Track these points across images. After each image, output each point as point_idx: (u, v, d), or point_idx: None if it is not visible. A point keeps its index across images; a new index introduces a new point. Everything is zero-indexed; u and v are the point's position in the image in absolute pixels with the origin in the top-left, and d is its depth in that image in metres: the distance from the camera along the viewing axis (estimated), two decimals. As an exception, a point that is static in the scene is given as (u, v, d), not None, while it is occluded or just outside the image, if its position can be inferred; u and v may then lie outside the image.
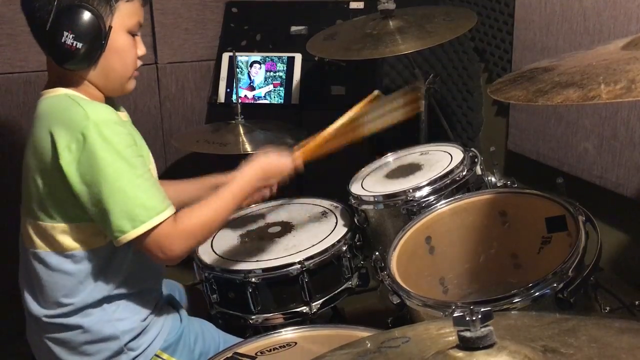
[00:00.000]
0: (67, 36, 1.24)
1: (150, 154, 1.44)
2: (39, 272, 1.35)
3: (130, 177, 1.25)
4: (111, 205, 1.23)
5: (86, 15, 1.25)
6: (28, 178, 1.34)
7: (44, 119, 1.29)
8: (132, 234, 1.24)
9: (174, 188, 1.63)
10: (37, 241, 1.34)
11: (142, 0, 1.36)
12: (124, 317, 1.37)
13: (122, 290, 1.37)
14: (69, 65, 1.28)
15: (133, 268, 1.38)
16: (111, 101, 1.42)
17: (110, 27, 1.29)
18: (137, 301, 1.40)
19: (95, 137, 1.23)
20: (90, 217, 1.28)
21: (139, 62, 1.39)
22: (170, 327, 1.45)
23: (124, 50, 1.33)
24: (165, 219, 1.27)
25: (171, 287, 1.68)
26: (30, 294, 1.38)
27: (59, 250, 1.33)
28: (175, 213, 1.30)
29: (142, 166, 1.28)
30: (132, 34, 1.35)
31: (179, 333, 1.45)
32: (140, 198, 1.25)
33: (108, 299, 1.36)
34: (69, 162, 1.24)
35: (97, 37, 1.27)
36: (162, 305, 1.49)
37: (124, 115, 1.44)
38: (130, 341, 1.37)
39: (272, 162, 1.50)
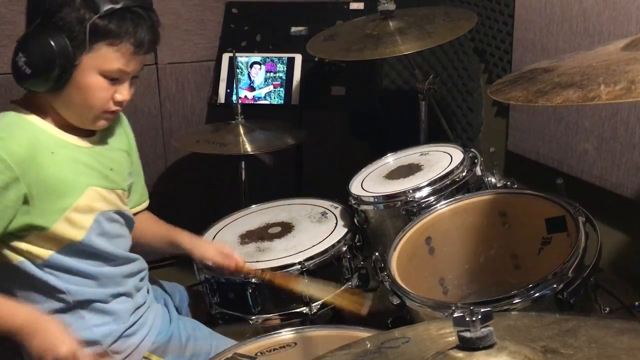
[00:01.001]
0: (20, 57, 1.23)
1: (104, 184, 1.38)
2: (7, 280, 1.34)
3: None
4: None
5: (46, 46, 1.22)
6: None
7: None
8: None
9: (153, 226, 1.62)
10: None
11: (135, 49, 1.28)
12: (100, 322, 1.37)
13: (95, 296, 1.36)
14: (22, 85, 1.27)
15: (93, 276, 1.36)
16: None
17: (74, 65, 1.24)
18: (112, 307, 1.39)
19: None
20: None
21: (114, 106, 1.33)
22: (159, 329, 1.45)
23: (88, 90, 1.28)
24: None
25: (172, 289, 1.68)
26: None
27: (8, 261, 1.31)
28: None
29: None
30: (109, 78, 1.29)
31: (168, 334, 1.45)
32: None
33: (81, 305, 1.35)
34: None
35: (49, 70, 1.23)
36: (150, 307, 1.48)
37: (84, 142, 1.37)
38: (113, 344, 1.37)
39: (49, 331, 1.23)
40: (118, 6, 1.24)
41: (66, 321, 1.33)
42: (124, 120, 1.54)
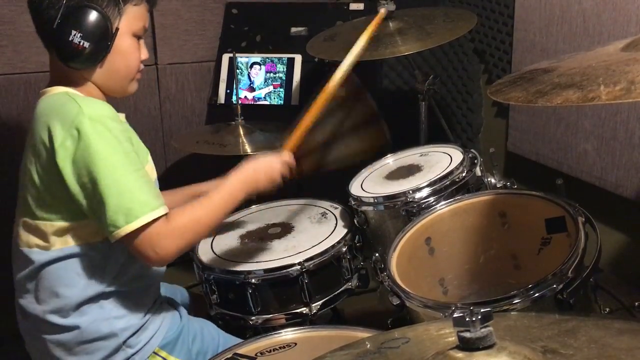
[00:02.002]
0: (74, 35, 1.26)
1: (149, 156, 1.44)
2: (35, 272, 1.35)
3: (124, 172, 1.25)
4: (105, 199, 1.23)
5: (94, 16, 1.27)
6: (26, 178, 1.34)
7: (42, 116, 1.30)
8: (126, 228, 1.24)
9: (176, 191, 1.65)
10: (34, 240, 1.34)
11: (149, 5, 1.38)
12: (121, 314, 1.37)
13: (119, 287, 1.37)
14: (74, 64, 1.30)
15: (131, 264, 1.38)
16: (112, 103, 1.43)
17: (117, 29, 1.31)
18: (135, 298, 1.40)
19: (90, 131, 1.23)
20: (86, 215, 1.28)
21: (142, 66, 1.40)
22: (169, 325, 1.45)
23: (128, 52, 1.35)
24: (159, 217, 1.26)
25: (173, 292, 1.68)
26: (27, 296, 1.38)
27: (56, 248, 1.33)
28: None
29: (136, 162, 1.29)
30: (137, 37, 1.37)
31: (178, 331, 1.45)
32: (134, 193, 1.24)
33: (105, 295, 1.36)
34: (64, 159, 1.24)
35: (104, 38, 1.29)
36: (161, 303, 1.49)
37: (122, 116, 1.44)
38: (128, 338, 1.37)
39: (259, 164, 1.47)
40: None
41: (87, 310, 1.34)
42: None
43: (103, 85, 1.36)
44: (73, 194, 1.26)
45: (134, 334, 1.38)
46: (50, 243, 1.33)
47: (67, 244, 1.32)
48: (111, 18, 1.29)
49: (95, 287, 1.35)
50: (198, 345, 1.47)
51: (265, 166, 1.47)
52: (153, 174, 1.42)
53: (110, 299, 1.36)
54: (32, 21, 1.31)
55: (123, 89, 1.40)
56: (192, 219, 1.33)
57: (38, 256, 1.34)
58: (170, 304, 1.53)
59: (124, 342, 1.37)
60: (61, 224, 1.31)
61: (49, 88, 1.35)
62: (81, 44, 1.26)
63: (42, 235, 1.33)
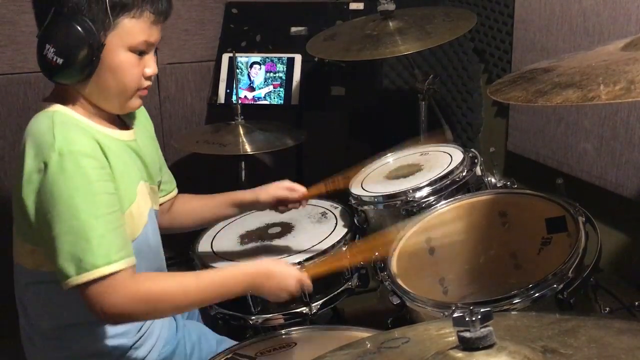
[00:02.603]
0: (48, 49, 1.18)
1: (145, 178, 1.37)
2: (21, 289, 1.33)
3: (86, 217, 1.14)
4: (59, 244, 1.14)
5: (72, 30, 1.18)
6: (14, 192, 1.26)
7: (26, 137, 1.22)
8: (75, 280, 1.13)
9: (197, 202, 1.62)
10: (19, 257, 1.30)
11: (155, 17, 1.25)
12: (112, 335, 1.33)
13: None
14: (54, 79, 1.22)
15: None
16: (124, 114, 1.38)
17: (103, 44, 1.21)
18: None
19: (56, 168, 1.15)
20: None
21: (146, 82, 1.31)
22: (165, 340, 1.43)
23: (120, 68, 1.25)
24: (115, 272, 1.15)
25: None
26: (19, 309, 1.36)
27: (37, 270, 1.28)
28: (133, 266, 1.20)
29: (106, 206, 1.18)
30: (137, 52, 1.26)
31: (174, 344, 1.44)
32: (91, 242, 1.13)
33: (93, 322, 1.28)
34: (28, 192, 1.17)
35: (82, 54, 1.19)
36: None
37: (126, 134, 1.35)
38: (121, 356, 1.35)
39: (277, 271, 1.33)
40: None
41: (76, 332, 1.31)
42: (144, 110, 1.51)
43: (97, 102, 1.28)
44: (33, 228, 1.19)
45: (127, 351, 1.35)
46: (31, 264, 1.28)
47: (43, 268, 1.26)
48: (96, 32, 1.19)
49: (82, 314, 1.23)
50: (196, 356, 1.46)
51: (281, 277, 1.33)
52: (147, 203, 1.34)
53: (99, 324, 1.31)
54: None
55: (120, 106, 1.31)
56: (162, 290, 1.22)
57: (23, 274, 1.31)
58: (169, 318, 1.50)
59: (117, 359, 1.35)
60: (32, 247, 1.25)
61: (45, 103, 1.27)
62: (54, 59, 1.18)
63: (25, 254, 1.28)
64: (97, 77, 1.24)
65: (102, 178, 1.20)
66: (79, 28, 1.18)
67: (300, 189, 1.63)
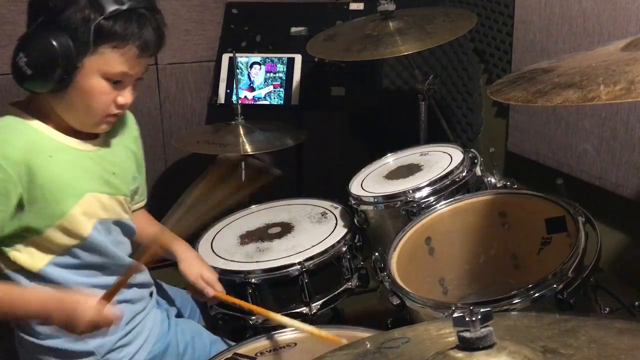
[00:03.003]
0: (20, 57, 1.20)
1: (109, 190, 1.36)
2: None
3: None
4: None
5: (48, 46, 1.18)
6: None
7: None
8: None
9: (144, 225, 1.56)
10: None
11: (140, 52, 1.25)
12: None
13: None
14: (22, 86, 1.23)
15: (88, 287, 1.32)
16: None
17: (77, 67, 1.21)
18: None
19: None
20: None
21: (115, 110, 1.31)
22: (156, 338, 1.43)
23: (90, 93, 1.25)
24: None
25: (174, 293, 1.67)
26: None
27: (6, 269, 1.29)
28: None
29: None
30: (112, 81, 1.26)
31: (165, 343, 1.44)
32: None
33: None
34: None
35: (50, 71, 1.19)
36: (149, 314, 1.47)
37: (87, 145, 1.34)
38: (108, 353, 1.35)
39: (71, 298, 1.22)
40: (124, 7, 1.20)
41: (59, 331, 1.30)
42: (130, 118, 1.51)
43: (63, 117, 1.29)
44: None
45: (113, 349, 1.35)
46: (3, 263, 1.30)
47: (15, 269, 1.29)
48: (73, 53, 1.19)
49: None
50: (189, 356, 1.45)
51: (73, 306, 1.20)
52: (86, 219, 1.30)
53: None
54: None
55: (84, 126, 1.32)
56: None
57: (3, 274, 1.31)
58: (160, 314, 1.51)
59: (104, 357, 1.35)
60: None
61: (13, 105, 1.30)
62: (24, 68, 1.19)
63: None
64: (67, 95, 1.25)
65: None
66: (56, 46, 1.18)
67: (212, 289, 1.52)
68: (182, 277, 1.56)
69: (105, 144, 1.40)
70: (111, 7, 1.19)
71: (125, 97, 1.30)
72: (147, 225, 1.60)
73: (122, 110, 1.32)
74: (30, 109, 1.29)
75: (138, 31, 1.24)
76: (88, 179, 1.33)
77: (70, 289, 1.27)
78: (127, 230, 1.43)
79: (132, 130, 1.52)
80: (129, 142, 1.49)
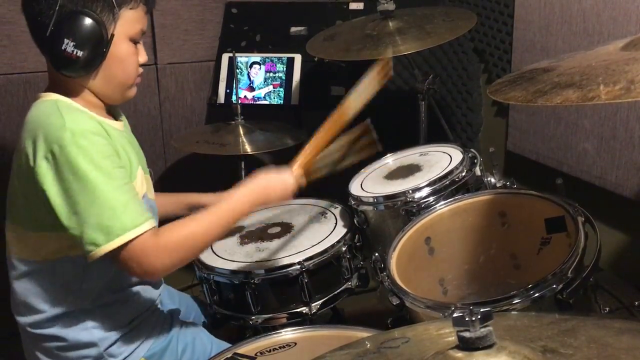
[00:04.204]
0: (67, 43, 1.22)
1: (140, 168, 1.39)
2: (14, 278, 1.34)
3: (107, 189, 1.19)
4: (86, 216, 1.18)
5: (88, 23, 1.22)
6: (12, 183, 1.31)
7: (29, 124, 1.26)
8: (106, 247, 1.18)
9: (162, 198, 1.59)
10: (14, 247, 1.33)
11: (146, 7, 1.33)
12: (100, 325, 1.35)
13: (96, 302, 1.35)
14: (68, 72, 1.25)
15: (109, 280, 1.35)
16: (113, 108, 1.41)
17: (112, 35, 1.26)
18: (114, 311, 1.37)
19: (72, 147, 1.18)
20: (65, 228, 1.22)
21: (140, 70, 1.37)
22: (157, 335, 1.44)
23: (126, 58, 1.31)
24: (142, 233, 1.20)
25: (179, 298, 1.67)
26: (13, 301, 1.37)
27: (34, 258, 1.31)
28: (156, 227, 1.25)
29: (121, 178, 1.24)
30: (134, 42, 1.32)
31: (166, 342, 1.44)
32: (115, 210, 1.19)
33: (82, 309, 1.33)
34: (45, 173, 1.20)
35: (99, 45, 1.24)
36: (152, 312, 1.47)
37: (119, 124, 1.40)
38: (109, 347, 1.36)
39: (273, 181, 1.42)
40: None
41: (66, 322, 1.33)
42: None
43: (100, 93, 1.33)
44: (53, 208, 1.21)
45: (115, 343, 1.37)
46: (29, 252, 1.31)
47: (45, 257, 1.30)
48: (106, 24, 1.25)
49: (71, 302, 1.32)
50: (188, 356, 1.46)
51: (279, 183, 1.43)
52: (142, 188, 1.38)
53: (87, 313, 1.34)
54: (27, 26, 1.28)
55: (122, 95, 1.36)
56: (184, 235, 1.28)
57: (15, 265, 1.33)
58: (163, 314, 1.52)
59: (105, 350, 1.35)
60: (38, 233, 1.28)
61: (43, 94, 1.31)
62: (74, 52, 1.22)
63: (22, 243, 1.31)
64: (104, 68, 1.29)
65: (113, 153, 1.25)
66: (93, 21, 1.23)
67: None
68: (183, 278, 1.57)
69: (125, 125, 1.45)
70: None
71: (143, 55, 1.37)
72: (166, 197, 1.64)
73: (142, 70, 1.38)
74: (67, 94, 1.31)
75: None
76: (134, 154, 1.38)
77: (262, 174, 1.42)
78: (154, 210, 1.46)
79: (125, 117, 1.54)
80: (129, 126, 1.52)
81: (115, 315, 1.37)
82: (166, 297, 1.62)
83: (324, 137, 1.53)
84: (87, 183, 1.19)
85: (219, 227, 1.33)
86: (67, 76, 1.27)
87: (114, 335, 1.37)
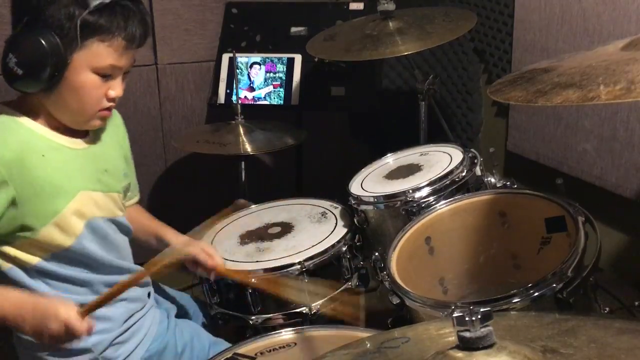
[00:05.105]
0: (10, 58, 1.20)
1: (101, 186, 1.36)
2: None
3: None
4: None
5: (36, 45, 1.19)
6: None
7: None
8: None
9: (134, 219, 1.55)
10: None
11: (126, 44, 1.26)
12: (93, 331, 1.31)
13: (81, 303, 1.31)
14: (13, 87, 1.24)
15: (85, 282, 1.34)
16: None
17: (67, 64, 1.22)
18: (105, 313, 1.35)
19: None
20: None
21: (107, 103, 1.32)
22: (154, 337, 1.43)
23: (82, 88, 1.26)
24: None
25: (177, 296, 1.67)
26: None
27: (6, 265, 1.29)
28: None
29: None
30: (102, 75, 1.27)
31: (163, 343, 1.44)
32: None
33: None
34: None
35: (41, 70, 1.21)
36: (148, 312, 1.47)
37: (78, 142, 1.35)
38: (104, 350, 1.35)
39: (49, 305, 1.22)
40: (107, 0, 1.22)
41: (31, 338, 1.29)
42: (117, 116, 1.52)
43: (55, 115, 1.30)
44: None
45: (110, 346, 1.36)
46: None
47: (10, 265, 1.29)
48: (62, 50, 1.20)
49: None
50: (187, 356, 1.46)
51: (46, 312, 1.20)
52: (88, 208, 1.32)
53: None
54: None
55: (77, 124, 1.33)
56: None
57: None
58: (159, 313, 1.51)
59: (101, 354, 1.35)
60: None
61: (2, 105, 1.30)
62: (14, 69, 1.20)
63: None
64: (58, 93, 1.26)
65: None
66: (45, 44, 1.19)
67: (217, 260, 1.55)
68: (183, 278, 1.56)
69: (96, 141, 1.40)
70: (95, 1, 1.21)
71: (116, 90, 1.31)
72: (141, 218, 1.61)
73: (113, 103, 1.33)
74: (22, 108, 1.29)
75: (124, 23, 1.25)
76: (81, 178, 1.33)
77: (47, 295, 1.27)
78: (122, 228, 1.44)
79: (119, 126, 1.53)
80: (117, 138, 1.50)
81: (104, 324, 1.35)
82: (163, 297, 1.62)
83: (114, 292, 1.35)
84: None
85: None
86: (16, 90, 1.25)
87: (107, 340, 1.35)
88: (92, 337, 1.32)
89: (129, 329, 1.39)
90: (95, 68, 1.26)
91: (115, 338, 1.37)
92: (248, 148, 2.08)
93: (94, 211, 1.34)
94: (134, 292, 1.44)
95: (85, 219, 1.32)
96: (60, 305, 1.20)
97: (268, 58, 2.50)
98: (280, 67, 2.49)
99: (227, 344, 1.52)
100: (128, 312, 1.41)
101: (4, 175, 1.21)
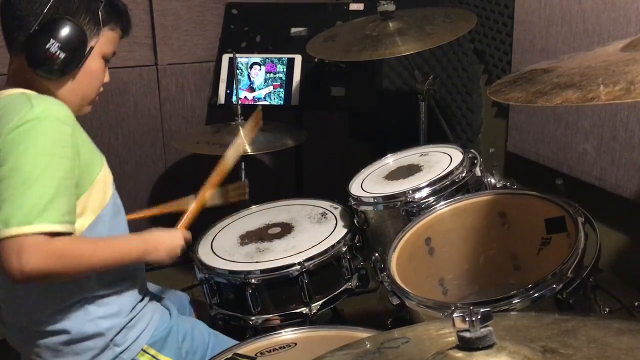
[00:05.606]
0: (52, 43, 1.26)
1: (102, 169, 1.38)
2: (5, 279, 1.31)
3: (47, 174, 1.18)
4: (12, 193, 1.16)
5: (74, 29, 1.28)
6: None
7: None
8: (12, 230, 1.14)
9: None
10: None
11: (122, 34, 1.40)
12: (106, 314, 1.36)
13: (100, 291, 1.35)
14: (43, 71, 1.28)
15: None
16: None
17: (91, 48, 1.33)
18: (118, 299, 1.38)
19: (32, 125, 1.19)
20: None
21: (101, 89, 1.41)
22: (158, 323, 1.45)
23: (95, 73, 1.37)
24: (37, 232, 1.15)
25: (173, 295, 1.68)
26: (10, 305, 1.37)
27: None
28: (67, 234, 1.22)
29: (67, 170, 1.22)
30: (106, 61, 1.38)
31: (167, 329, 1.45)
32: (42, 199, 1.16)
33: (87, 299, 1.34)
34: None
35: (78, 53, 1.30)
36: (150, 300, 1.49)
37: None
38: (115, 336, 1.37)
39: (164, 237, 1.45)
40: None
41: (71, 315, 1.33)
42: None
43: (65, 100, 1.32)
44: None
45: (120, 331, 1.38)
46: None
47: None
48: (88, 36, 1.31)
49: (74, 296, 1.32)
50: (188, 345, 1.47)
51: (168, 241, 1.45)
52: (109, 179, 1.39)
53: (92, 302, 1.35)
54: (1, 21, 1.30)
55: (79, 108, 1.38)
56: (74, 250, 1.23)
57: None
58: (161, 303, 1.53)
59: (111, 340, 1.36)
60: None
61: (5, 91, 1.31)
62: (57, 53, 1.27)
63: None
64: (74, 78, 1.34)
65: (70, 144, 1.25)
66: (80, 29, 1.30)
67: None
68: (183, 278, 1.57)
69: None
70: None
71: (107, 76, 1.42)
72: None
73: (102, 89, 1.42)
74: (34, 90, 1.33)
75: (124, 15, 1.41)
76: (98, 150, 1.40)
77: (155, 231, 1.43)
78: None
79: None
80: None
81: (118, 306, 1.38)
82: (160, 294, 1.62)
83: (209, 191, 1.68)
84: (32, 162, 1.18)
85: (104, 262, 1.29)
86: (40, 75, 1.29)
87: (119, 324, 1.37)
88: (106, 321, 1.36)
89: (134, 317, 1.42)
90: (104, 54, 1.37)
91: (125, 324, 1.39)
92: (248, 149, 2.08)
93: (110, 180, 1.41)
94: (140, 277, 1.47)
95: (109, 187, 1.39)
96: (171, 232, 1.48)
97: (268, 58, 2.51)
98: (281, 68, 2.49)
99: (225, 337, 1.52)
100: (135, 299, 1.43)
101: (73, 127, 1.27)
